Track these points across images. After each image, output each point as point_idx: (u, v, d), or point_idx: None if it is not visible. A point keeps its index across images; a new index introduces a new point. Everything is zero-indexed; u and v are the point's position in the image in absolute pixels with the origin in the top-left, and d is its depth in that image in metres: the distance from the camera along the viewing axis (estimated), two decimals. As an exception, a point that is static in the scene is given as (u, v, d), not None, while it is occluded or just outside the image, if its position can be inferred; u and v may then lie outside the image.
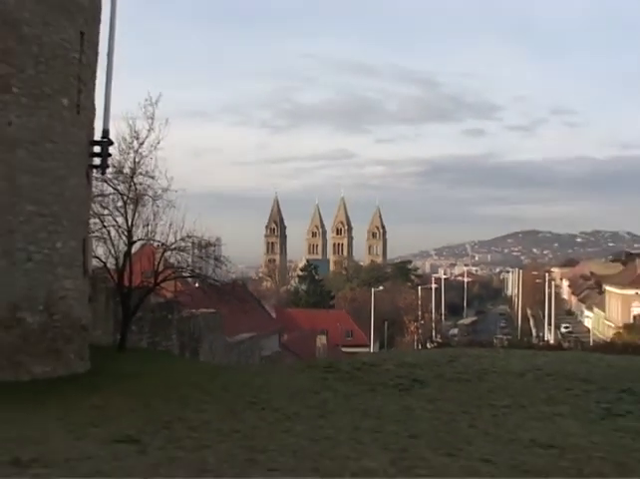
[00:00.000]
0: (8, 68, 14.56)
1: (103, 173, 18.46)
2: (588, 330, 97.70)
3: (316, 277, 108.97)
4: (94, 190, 19.73)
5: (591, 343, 62.12)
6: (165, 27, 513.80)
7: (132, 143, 22.97)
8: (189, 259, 25.16)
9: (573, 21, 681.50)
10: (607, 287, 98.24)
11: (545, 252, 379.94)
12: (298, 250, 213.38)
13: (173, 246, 24.18)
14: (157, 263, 24.36)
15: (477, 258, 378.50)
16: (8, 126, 14.60)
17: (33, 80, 14.96)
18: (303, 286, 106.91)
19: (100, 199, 22.62)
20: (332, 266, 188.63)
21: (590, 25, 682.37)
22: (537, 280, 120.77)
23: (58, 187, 15.60)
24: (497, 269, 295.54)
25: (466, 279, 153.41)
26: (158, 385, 15.34)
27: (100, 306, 23.87)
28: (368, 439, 10.18)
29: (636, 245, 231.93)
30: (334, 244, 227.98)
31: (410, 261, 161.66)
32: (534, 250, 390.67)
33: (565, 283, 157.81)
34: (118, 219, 23.08)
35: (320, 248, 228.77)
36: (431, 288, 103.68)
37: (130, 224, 22.93)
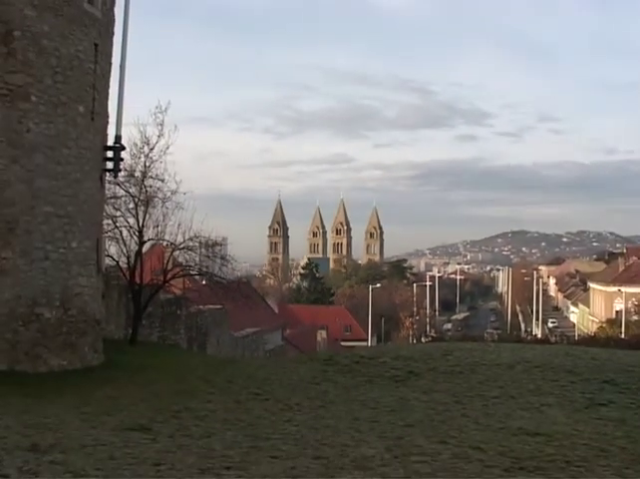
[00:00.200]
0: (27, 78, 14.59)
1: (115, 176, 18.48)
2: (573, 325, 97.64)
3: (317, 275, 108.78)
4: (107, 192, 19.75)
5: (576, 337, 61.98)
6: (169, 34, 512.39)
7: (142, 148, 22.99)
8: (197, 258, 25.16)
9: (559, 34, 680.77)
10: (591, 285, 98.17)
11: (534, 252, 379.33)
12: (300, 250, 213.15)
13: (182, 246, 24.20)
14: (166, 262, 24.37)
15: (469, 257, 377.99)
16: (27, 132, 14.63)
17: (51, 89, 15.00)
18: (304, 284, 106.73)
19: (112, 201, 22.64)
20: (332, 265, 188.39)
21: (574, 36, 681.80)
22: (526, 278, 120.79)
23: (73, 189, 15.63)
24: (488, 268, 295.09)
25: (458, 277, 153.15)
26: (167, 377, 15.36)
27: (112, 302, 23.89)
28: (366, 428, 10.21)
29: (618, 245, 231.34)
30: (334, 244, 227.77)
31: (405, 260, 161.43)
32: (523, 250, 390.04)
33: (552, 281, 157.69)
34: (129, 219, 23.11)
35: (321, 248, 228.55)
36: (425, 286, 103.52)
37: (140, 224, 22.95)
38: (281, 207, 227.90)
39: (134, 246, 23.12)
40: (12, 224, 14.61)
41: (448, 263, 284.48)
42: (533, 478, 7.83)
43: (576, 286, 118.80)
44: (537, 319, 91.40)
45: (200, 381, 14.61)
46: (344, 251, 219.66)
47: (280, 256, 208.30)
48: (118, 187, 22.53)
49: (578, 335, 70.07)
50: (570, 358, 17.87)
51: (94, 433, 9.18)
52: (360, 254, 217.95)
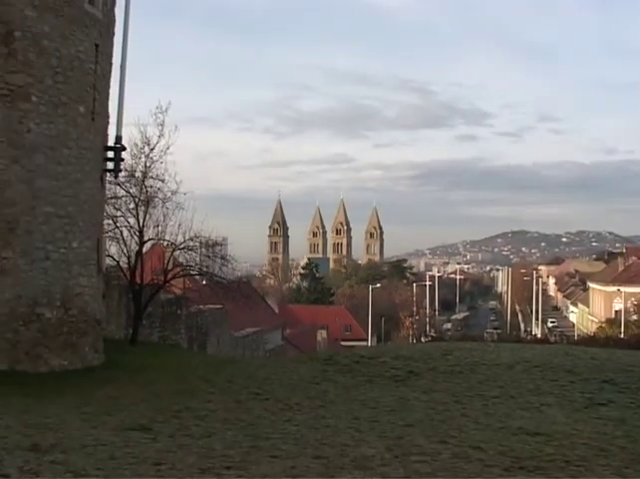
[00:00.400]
0: (28, 78, 14.58)
1: (116, 176, 18.48)
2: (573, 325, 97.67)
3: (317, 275, 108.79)
4: (107, 192, 19.74)
5: (576, 337, 62.04)
6: (169, 34, 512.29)
7: (143, 148, 23.00)
8: (197, 258, 25.17)
9: (559, 34, 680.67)
10: (591, 284, 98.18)
11: (533, 251, 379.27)
12: (300, 250, 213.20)
13: (182, 246, 24.20)
14: (166, 262, 24.38)
15: (468, 257, 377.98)
16: (27, 132, 14.63)
17: (51, 89, 14.99)
18: (305, 284, 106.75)
19: (113, 201, 22.64)
20: (332, 265, 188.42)
21: (574, 36, 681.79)
22: (526, 278, 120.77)
23: (74, 190, 15.63)
24: (488, 268, 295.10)
25: (458, 277, 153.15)
26: (167, 377, 15.36)
27: (113, 302, 23.90)
28: (366, 428, 10.21)
29: (618, 245, 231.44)
30: (334, 244, 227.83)
31: (405, 260, 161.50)
32: (523, 250, 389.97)
33: (552, 281, 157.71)
34: (130, 220, 23.12)
35: (321, 248, 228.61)
36: (425, 286, 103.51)
37: (141, 224, 22.95)
38: (281, 207, 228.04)
39: (134, 247, 23.13)
40: (13, 224, 14.60)
41: (447, 263, 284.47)
42: (533, 478, 7.82)
43: (576, 286, 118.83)
44: (537, 319, 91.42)
45: (201, 381, 14.61)
46: (344, 251, 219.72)
47: (280, 256, 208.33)
48: (118, 187, 22.55)
49: (578, 335, 70.11)
50: (570, 358, 17.87)
51: (94, 433, 9.18)
52: (360, 254, 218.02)
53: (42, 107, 14.84)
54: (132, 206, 23.08)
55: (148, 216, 23.10)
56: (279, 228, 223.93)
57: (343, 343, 64.34)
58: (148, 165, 23.09)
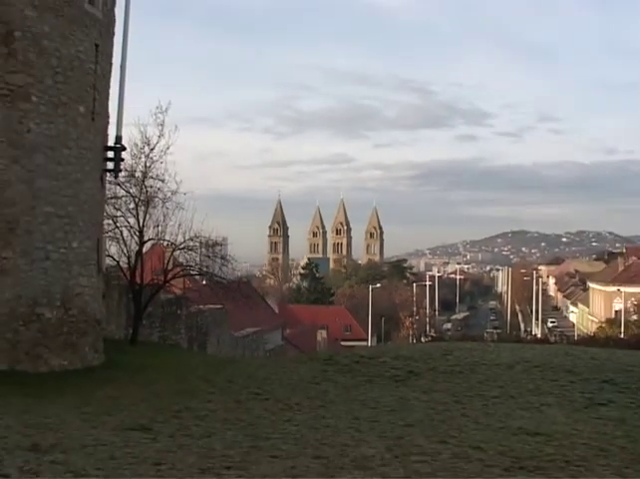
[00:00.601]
0: (28, 78, 14.58)
1: (116, 176, 18.48)
2: (573, 325, 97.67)
3: (317, 275, 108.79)
4: (107, 192, 19.74)
5: (576, 337, 62.04)
6: (169, 34, 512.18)
7: (143, 148, 23.00)
8: (197, 258, 25.17)
9: (559, 34, 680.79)
10: (591, 284, 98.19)
11: (533, 251, 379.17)
12: (300, 250, 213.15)
13: (182, 246, 24.21)
14: (166, 262, 24.38)
15: (468, 257, 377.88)
16: (27, 132, 14.63)
17: (51, 89, 14.99)
18: (305, 284, 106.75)
19: (113, 201, 22.64)
20: (332, 265, 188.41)
21: (574, 36, 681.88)
22: (525, 278, 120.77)
23: (74, 190, 15.63)
24: (488, 268, 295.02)
25: (458, 277, 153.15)
26: (167, 377, 15.36)
27: (113, 302, 23.90)
28: (366, 428, 10.21)
29: (618, 245, 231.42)
30: (334, 244, 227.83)
31: (405, 260, 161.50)
32: (523, 250, 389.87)
33: (552, 281, 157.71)
34: (130, 220, 23.12)
35: (321, 248, 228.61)
36: (425, 286, 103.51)
37: (141, 224, 22.96)
38: (281, 207, 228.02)
39: (134, 246, 23.13)
40: (13, 224, 14.60)
41: (447, 263, 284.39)
42: (533, 478, 7.82)
43: (576, 286, 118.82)
44: (537, 319, 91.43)
45: (201, 381, 14.61)
46: (344, 251, 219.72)
47: (280, 256, 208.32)
48: (118, 187, 22.55)
49: (578, 335, 70.12)
50: (570, 358, 17.87)
51: (94, 433, 9.18)
52: (360, 254, 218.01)
53: (42, 107, 14.84)
54: (132, 206, 23.10)
55: (148, 216, 23.11)
56: (279, 228, 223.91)
57: (343, 343, 64.34)
58: (148, 165, 23.11)
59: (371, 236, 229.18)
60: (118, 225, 23.05)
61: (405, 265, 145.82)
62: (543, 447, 9.12)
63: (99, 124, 16.60)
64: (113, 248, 23.28)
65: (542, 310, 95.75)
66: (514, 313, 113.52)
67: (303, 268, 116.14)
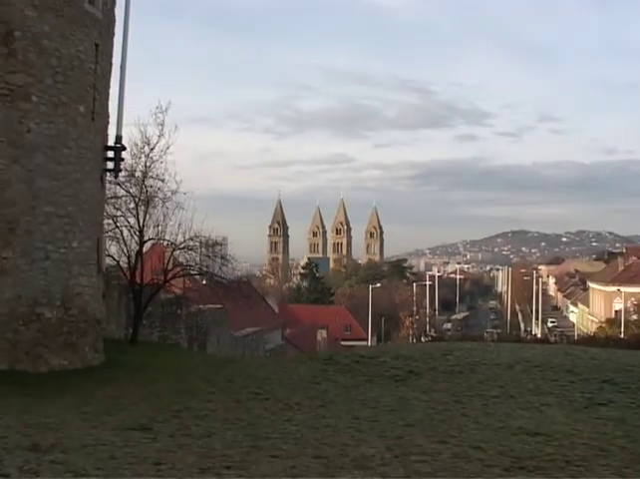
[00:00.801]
0: (28, 78, 14.58)
1: (116, 176, 18.49)
2: (573, 325, 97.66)
3: (317, 275, 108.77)
4: (107, 192, 19.74)
5: (576, 337, 62.03)
6: (169, 34, 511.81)
7: (143, 148, 23.01)
8: (197, 258, 25.17)
9: (559, 34, 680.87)
10: (591, 284, 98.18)
11: (533, 251, 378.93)
12: (300, 249, 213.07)
13: (182, 246, 24.21)
14: (166, 262, 24.38)
15: (468, 257, 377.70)
16: (27, 132, 14.63)
17: (51, 89, 14.99)
18: (305, 283, 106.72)
19: (113, 201, 22.65)
20: (332, 265, 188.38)
21: (574, 36, 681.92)
22: (526, 278, 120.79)
23: (74, 189, 15.63)
24: (488, 267, 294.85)
25: (458, 277, 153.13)
26: (167, 377, 15.36)
27: (113, 302, 23.90)
28: (366, 427, 10.21)
29: (618, 245, 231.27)
30: (334, 244, 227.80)
31: (405, 260, 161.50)
32: (523, 249, 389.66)
33: (552, 281, 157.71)
34: (130, 219, 23.13)
35: (321, 248, 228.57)
36: (425, 285, 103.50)
37: (141, 224, 22.96)
38: (281, 207, 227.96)
39: (134, 246, 23.14)
40: (13, 224, 14.60)
41: (447, 263, 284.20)
42: (533, 478, 7.82)
43: (576, 286, 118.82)
44: (537, 319, 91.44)
45: (201, 381, 14.61)
46: (344, 251, 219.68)
47: (280, 256, 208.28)
48: (118, 187, 22.56)
49: (578, 335, 70.11)
50: (570, 358, 17.87)
51: (94, 433, 9.18)
52: (360, 254, 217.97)
53: (42, 107, 14.84)
54: (132, 205, 23.11)
55: (148, 215, 23.11)
56: (279, 227, 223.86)
57: (343, 343, 64.31)
58: (148, 164, 23.12)
59: (371, 235, 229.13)
60: (118, 224, 23.06)
61: (405, 265, 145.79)
62: (543, 447, 9.12)
63: (99, 124, 16.60)
64: (113, 248, 23.30)
65: (542, 310, 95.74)
66: (514, 313, 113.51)
67: (303, 268, 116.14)
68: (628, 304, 73.06)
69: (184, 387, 13.63)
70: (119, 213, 23.12)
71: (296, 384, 14.32)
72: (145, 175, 23.15)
